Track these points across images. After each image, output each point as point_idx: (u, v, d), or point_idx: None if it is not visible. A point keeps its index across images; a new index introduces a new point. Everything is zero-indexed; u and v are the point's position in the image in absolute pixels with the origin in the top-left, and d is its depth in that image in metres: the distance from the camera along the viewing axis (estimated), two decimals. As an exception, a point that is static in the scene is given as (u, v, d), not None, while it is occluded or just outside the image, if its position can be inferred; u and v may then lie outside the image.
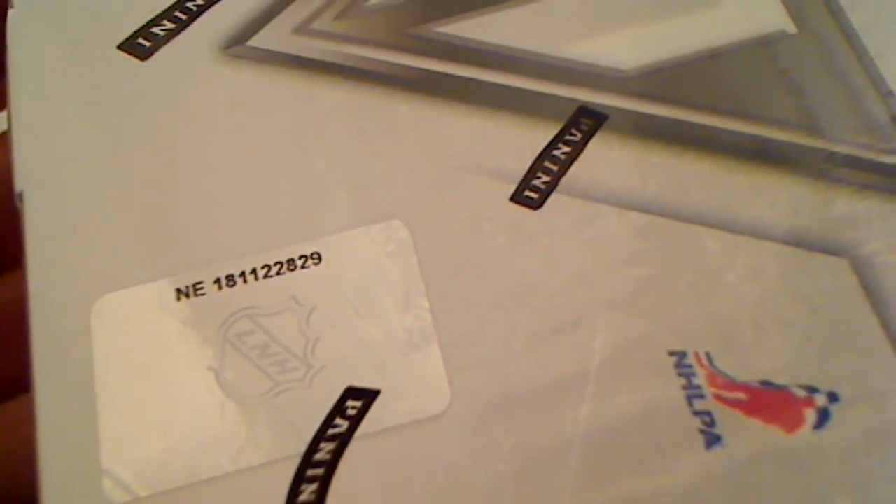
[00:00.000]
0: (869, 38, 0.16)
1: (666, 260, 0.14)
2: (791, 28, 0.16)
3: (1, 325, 0.18)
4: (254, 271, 0.15)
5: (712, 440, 0.13)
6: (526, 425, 0.13)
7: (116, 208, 0.15)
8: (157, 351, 0.14)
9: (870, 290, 0.14)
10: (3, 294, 0.19)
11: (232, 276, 0.15)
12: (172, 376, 0.14)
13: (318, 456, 0.13)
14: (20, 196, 0.15)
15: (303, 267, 0.15)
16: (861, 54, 0.16)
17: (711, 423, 0.13)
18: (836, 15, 0.16)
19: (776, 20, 0.16)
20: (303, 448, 0.13)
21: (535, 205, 0.15)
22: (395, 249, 0.15)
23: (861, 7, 0.16)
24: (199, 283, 0.15)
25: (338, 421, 0.13)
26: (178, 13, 0.17)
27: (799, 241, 0.14)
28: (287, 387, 0.14)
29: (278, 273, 0.15)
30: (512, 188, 0.15)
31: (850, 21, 0.16)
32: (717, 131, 0.15)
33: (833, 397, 0.13)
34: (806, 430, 0.13)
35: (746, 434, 0.13)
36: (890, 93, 0.15)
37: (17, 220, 0.16)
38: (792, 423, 0.13)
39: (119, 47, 0.17)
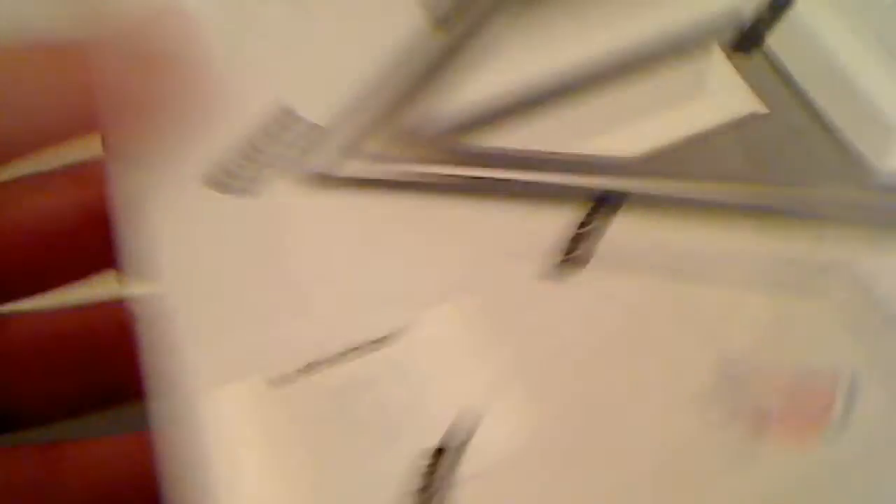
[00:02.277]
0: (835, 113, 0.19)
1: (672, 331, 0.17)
2: (762, 109, 0.19)
3: (106, 338, 0.21)
4: (336, 358, 0.17)
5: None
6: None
7: (222, 311, 0.18)
8: (263, 441, 0.16)
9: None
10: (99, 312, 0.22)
11: (318, 363, 0.17)
12: (281, 465, 0.16)
13: (414, 509, 0.16)
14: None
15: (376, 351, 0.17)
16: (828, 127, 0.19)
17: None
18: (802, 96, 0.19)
19: (747, 105, 0.19)
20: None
21: (564, 282, 0.18)
22: (450, 331, 0.17)
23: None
24: (289, 374, 0.17)
25: (424, 478, 0.16)
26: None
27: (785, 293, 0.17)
28: (379, 454, 0.16)
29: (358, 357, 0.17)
30: (543, 268, 0.18)
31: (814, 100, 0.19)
32: (716, 195, 0.18)
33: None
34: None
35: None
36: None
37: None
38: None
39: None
